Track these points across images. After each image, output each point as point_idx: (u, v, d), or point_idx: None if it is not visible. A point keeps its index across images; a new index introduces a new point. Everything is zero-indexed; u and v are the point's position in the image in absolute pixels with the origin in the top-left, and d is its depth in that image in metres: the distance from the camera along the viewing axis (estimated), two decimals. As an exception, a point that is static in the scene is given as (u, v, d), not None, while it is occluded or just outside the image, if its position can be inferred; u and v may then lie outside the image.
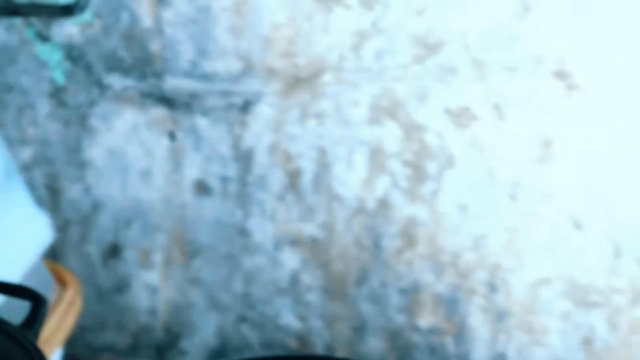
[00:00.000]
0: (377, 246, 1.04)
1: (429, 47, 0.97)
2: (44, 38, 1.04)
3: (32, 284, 0.94)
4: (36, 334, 0.78)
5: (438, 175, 1.01)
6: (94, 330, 1.14)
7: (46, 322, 0.96)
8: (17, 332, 0.77)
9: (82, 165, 1.08)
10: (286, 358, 0.85)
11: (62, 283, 1.02)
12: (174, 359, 1.13)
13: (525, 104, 0.97)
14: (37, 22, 1.04)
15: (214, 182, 1.06)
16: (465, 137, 0.99)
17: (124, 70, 1.04)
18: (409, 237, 1.03)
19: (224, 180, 1.05)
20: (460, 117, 0.98)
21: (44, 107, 1.07)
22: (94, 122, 1.06)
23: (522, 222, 1.01)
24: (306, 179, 1.04)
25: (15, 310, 0.81)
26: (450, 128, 0.99)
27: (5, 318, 0.78)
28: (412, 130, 1.00)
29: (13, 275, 0.92)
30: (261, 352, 1.10)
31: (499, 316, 1.04)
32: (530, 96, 0.97)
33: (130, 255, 1.10)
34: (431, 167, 1.01)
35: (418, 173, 1.01)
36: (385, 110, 1.00)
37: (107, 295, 1.12)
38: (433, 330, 1.06)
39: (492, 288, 1.03)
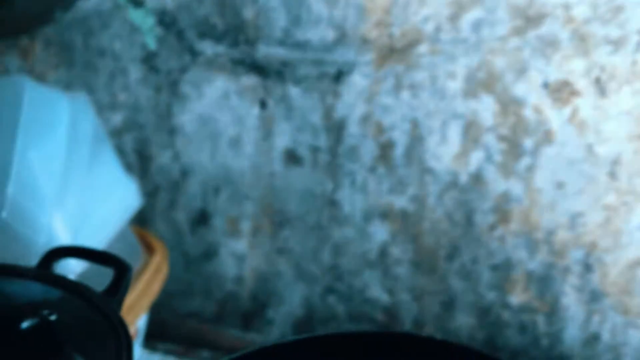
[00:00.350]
0: (469, 221, 1.03)
1: (529, 19, 0.95)
2: (136, 3, 1.04)
3: (119, 249, 0.94)
4: (119, 302, 0.78)
5: (534, 150, 0.99)
6: (181, 297, 1.14)
7: (132, 288, 0.97)
8: (100, 300, 0.77)
9: (172, 131, 1.08)
10: (371, 334, 0.84)
11: (149, 249, 1.03)
12: (260, 327, 1.13)
13: (629, 80, 0.94)
14: (129, -13, 1.05)
15: (304, 152, 1.05)
16: (564, 112, 0.97)
17: (216, 37, 1.04)
18: (502, 213, 1.02)
19: (315, 150, 1.05)
20: (560, 91, 0.96)
21: (135, 72, 1.07)
22: (185, 88, 1.06)
23: (621, 201, 0.98)
24: (398, 151, 1.02)
25: (99, 277, 0.81)
26: (549, 103, 0.97)
27: (88, 285, 0.79)
28: (508, 104, 0.98)
29: (100, 240, 0.93)
30: (348, 324, 1.10)
31: (594, 296, 1.02)
32: (634, 71, 0.94)
33: (218, 222, 1.10)
34: (527, 143, 0.99)
35: (514, 148, 0.99)
36: (482, 83, 0.98)
37: (194, 262, 1.13)
38: (524, 308, 1.04)
39: (588, 267, 1.01)
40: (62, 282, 0.77)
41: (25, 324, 0.72)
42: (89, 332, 0.73)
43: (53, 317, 0.73)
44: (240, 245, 1.11)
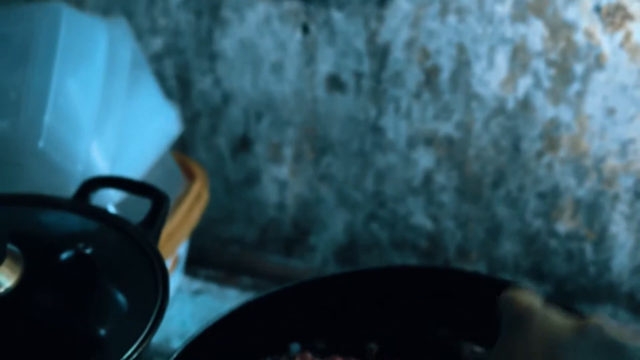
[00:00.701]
0: (515, 148, 1.01)
1: (581, -59, 0.92)
2: None
3: (159, 176, 0.94)
4: (157, 234, 0.78)
5: (585, 76, 0.96)
6: (222, 223, 1.14)
7: (173, 215, 0.96)
8: (136, 232, 0.76)
9: (213, 56, 1.07)
10: (414, 268, 0.83)
11: (189, 175, 1.03)
12: (302, 254, 1.13)
13: (685, 3, 0.92)
14: None
15: (347, 78, 1.03)
16: (616, 37, 0.94)
17: (257, -41, 1.02)
18: (550, 139, 1.00)
19: (358, 75, 1.03)
20: (612, 15, 0.93)
21: (175, -4, 1.06)
22: (226, 13, 1.04)
23: (673, 128, 0.96)
24: (444, 77, 1.00)
25: (139, 206, 0.81)
26: (601, 27, 0.94)
27: (126, 216, 0.78)
28: (558, 29, 0.95)
29: (140, 168, 0.92)
30: (391, 252, 1.09)
31: (643, 224, 1.00)
32: (690, -5, 0.91)
33: (260, 149, 1.09)
34: (578, 68, 0.96)
35: (563, 73, 0.97)
36: (531, 7, 0.95)
37: (236, 188, 1.12)
38: (572, 236, 1.03)
39: (638, 195, 0.99)
40: (98, 214, 0.77)
41: (63, 256, 0.72)
42: (125, 264, 0.73)
43: (89, 249, 0.72)
44: (282, 171, 1.10)
